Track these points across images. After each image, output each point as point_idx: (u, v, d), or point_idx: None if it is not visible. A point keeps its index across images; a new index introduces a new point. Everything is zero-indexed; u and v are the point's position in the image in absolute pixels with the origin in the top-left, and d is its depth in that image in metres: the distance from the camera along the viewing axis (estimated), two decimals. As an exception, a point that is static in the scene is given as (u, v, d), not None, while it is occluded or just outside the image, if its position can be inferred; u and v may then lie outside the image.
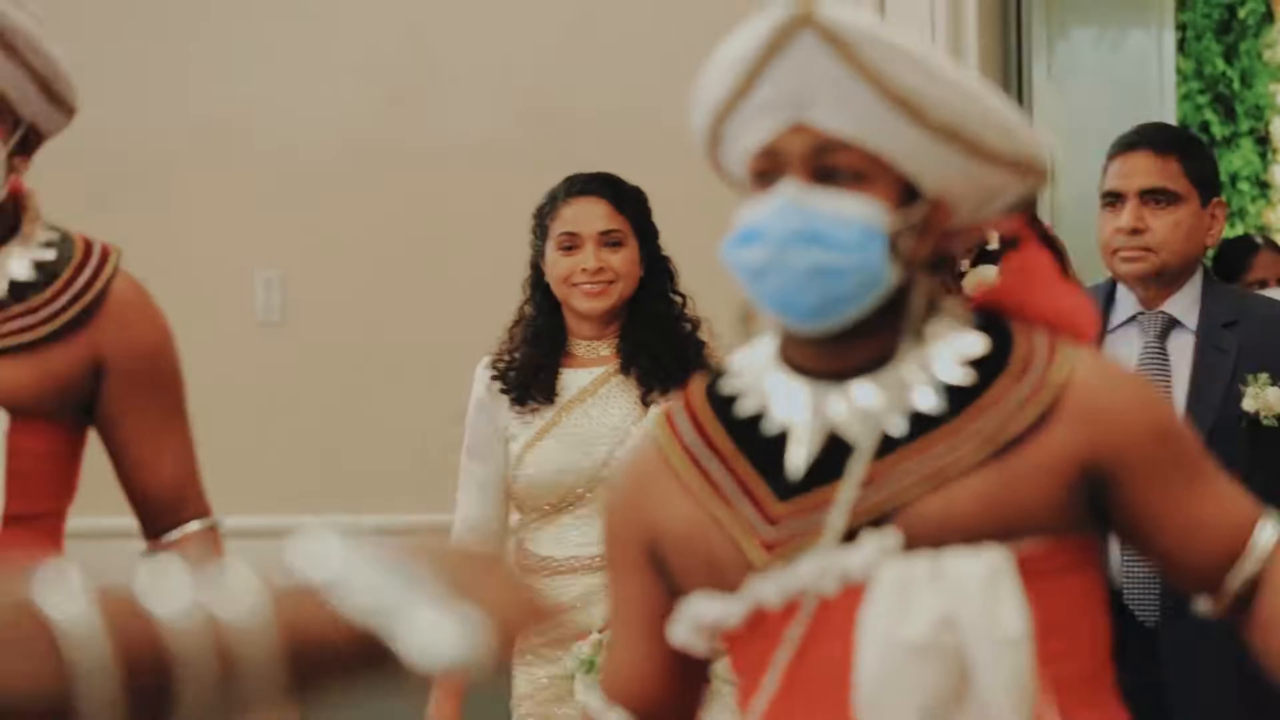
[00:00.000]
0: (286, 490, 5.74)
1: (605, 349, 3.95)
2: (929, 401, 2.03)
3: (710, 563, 2.07)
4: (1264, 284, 6.18)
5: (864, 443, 2.02)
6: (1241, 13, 9.32)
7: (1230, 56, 9.32)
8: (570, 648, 3.82)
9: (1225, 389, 3.60)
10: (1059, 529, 2.01)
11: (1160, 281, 3.74)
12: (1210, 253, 8.70)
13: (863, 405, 2.04)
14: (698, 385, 2.18)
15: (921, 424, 2.02)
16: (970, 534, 1.97)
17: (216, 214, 5.77)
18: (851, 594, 1.98)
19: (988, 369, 2.05)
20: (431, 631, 1.15)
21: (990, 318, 2.11)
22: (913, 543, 1.98)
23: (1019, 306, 2.11)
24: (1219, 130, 9.24)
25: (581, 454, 3.88)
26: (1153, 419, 2.06)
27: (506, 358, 3.96)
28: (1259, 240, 6.60)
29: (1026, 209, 2.25)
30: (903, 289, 2.05)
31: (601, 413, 3.90)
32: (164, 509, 2.85)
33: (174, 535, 2.86)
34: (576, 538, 3.88)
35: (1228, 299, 3.66)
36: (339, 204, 5.74)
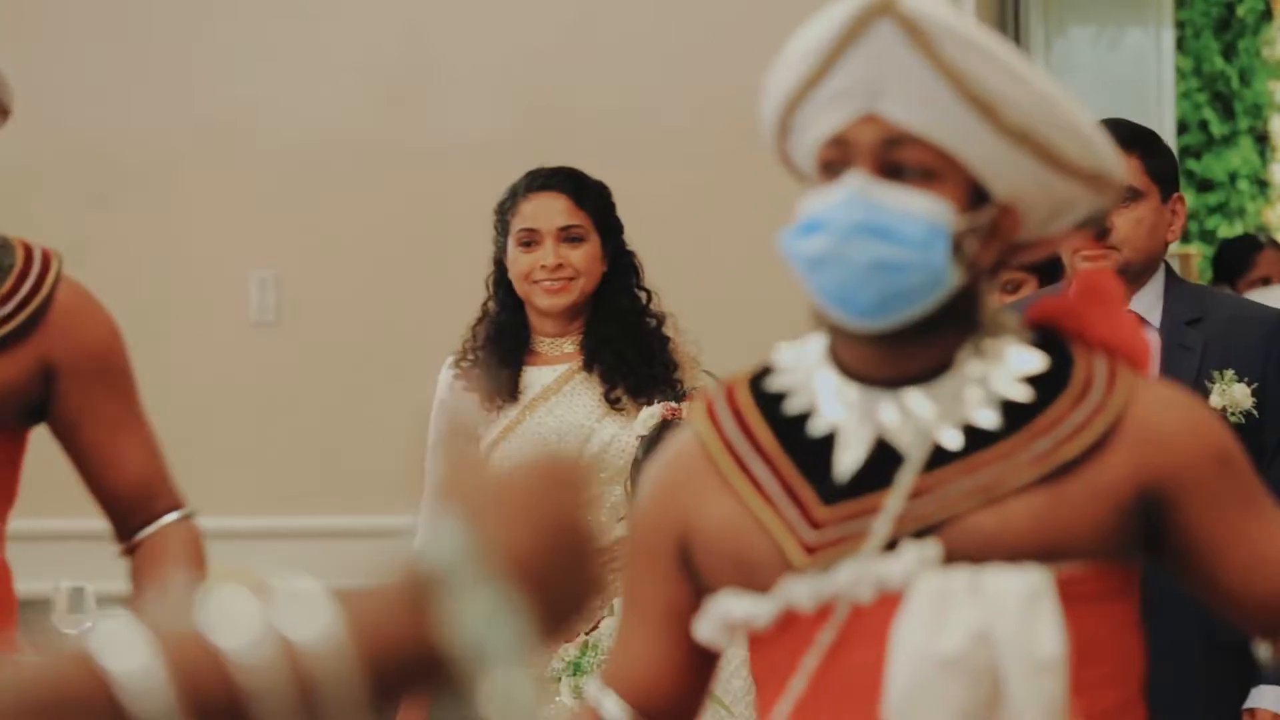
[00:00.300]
0: (282, 491, 5.73)
1: (569, 345, 3.91)
2: (985, 417, 2.00)
3: (743, 561, 2.03)
4: (1267, 281, 6.18)
5: (915, 454, 1.99)
6: (1240, 10, 9.32)
7: (1229, 54, 9.32)
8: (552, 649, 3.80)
9: (1191, 386, 3.58)
10: (1103, 555, 1.98)
11: (1123, 279, 3.73)
12: (1210, 252, 8.70)
13: (916, 415, 2.01)
14: (741, 378, 2.13)
15: (975, 439, 1.99)
16: (1014, 552, 1.94)
17: (212, 214, 5.76)
18: (887, 603, 1.95)
19: (1046, 388, 2.01)
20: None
21: (1048, 335, 2.07)
22: (954, 557, 1.95)
23: (1079, 327, 2.06)
24: (1218, 128, 9.24)
25: None
26: (1212, 445, 2.02)
27: (470, 356, 3.92)
28: (1262, 239, 6.60)
29: (1097, 226, 2.20)
30: (963, 296, 2.01)
31: (566, 410, 3.86)
32: (134, 506, 2.82)
33: (149, 530, 2.83)
34: None
35: (1191, 296, 3.64)
36: (334, 204, 5.72)
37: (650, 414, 3.58)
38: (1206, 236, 9.07)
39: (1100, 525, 1.97)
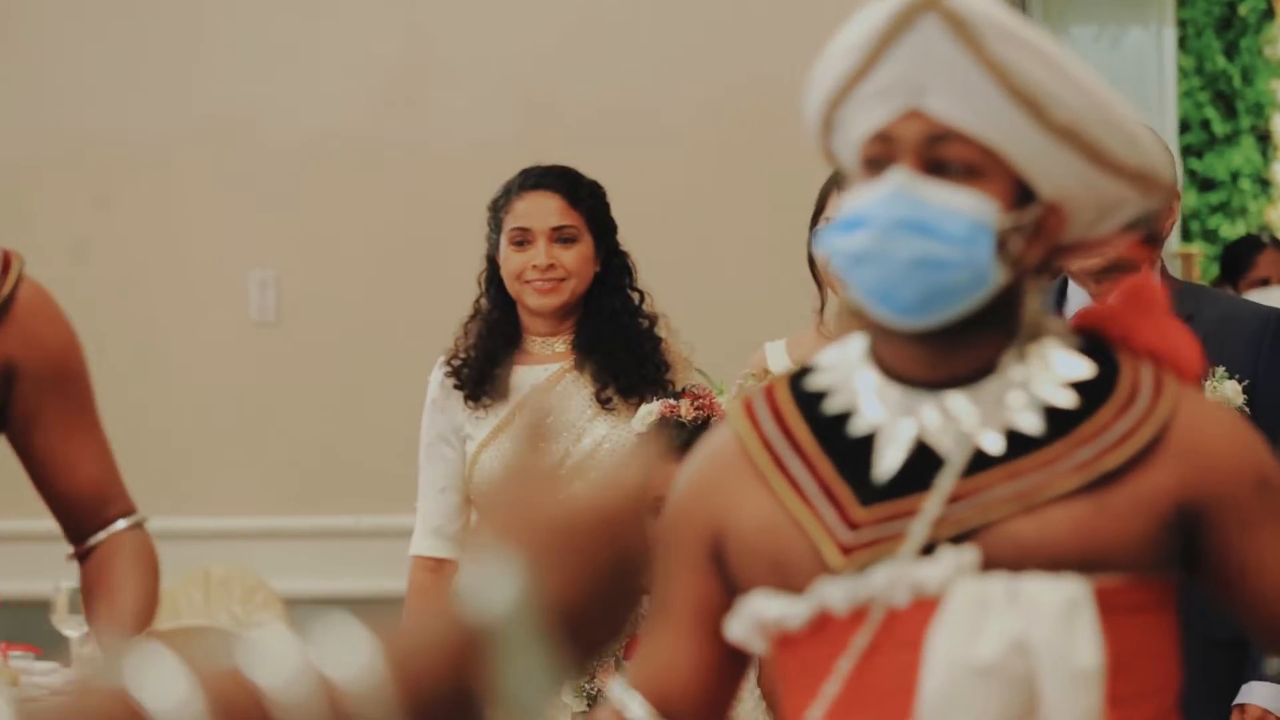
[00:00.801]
0: (282, 490, 5.73)
1: (560, 345, 3.89)
2: (1028, 422, 1.97)
3: (778, 561, 2.00)
4: (1266, 282, 6.17)
5: (955, 458, 1.96)
6: (1242, 9, 9.31)
7: (1231, 53, 9.31)
8: None
9: None
10: (1143, 567, 1.95)
11: (1113, 276, 3.71)
12: (1213, 251, 8.69)
13: (957, 418, 1.98)
14: (781, 376, 2.10)
15: (1017, 444, 1.96)
16: (1053, 561, 1.91)
17: (213, 214, 5.76)
18: (922, 607, 1.92)
19: (1090, 394, 1.98)
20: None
21: (1094, 341, 2.04)
22: (992, 563, 1.92)
23: (1125, 334, 2.03)
24: (1220, 127, 9.23)
25: None
26: (1253, 465, 1.99)
27: (461, 354, 3.90)
28: (1264, 239, 6.59)
29: (1145, 229, 2.18)
30: (1007, 297, 1.98)
31: (557, 410, 3.83)
32: (87, 511, 2.80)
33: (101, 536, 2.82)
34: None
35: (1182, 294, 3.63)
36: (335, 203, 5.72)
37: (648, 411, 3.57)
38: (1209, 236, 9.07)
39: (1141, 537, 1.94)
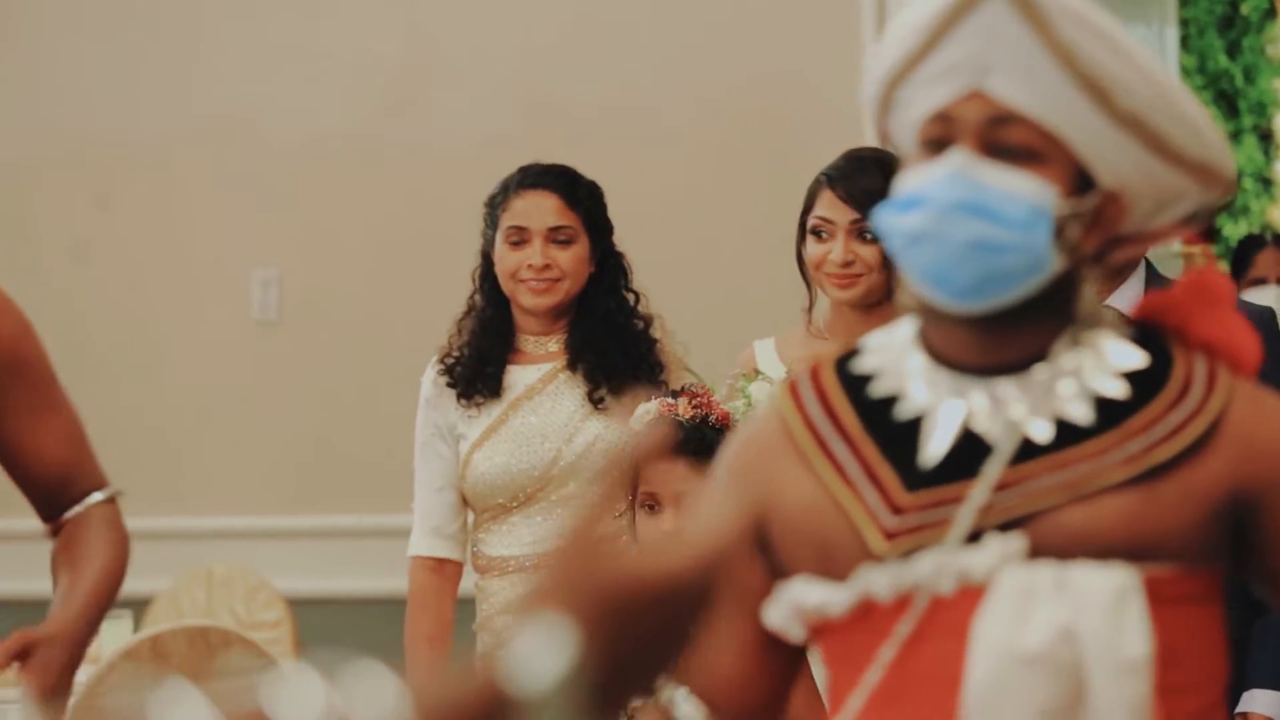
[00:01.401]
0: (285, 490, 5.73)
1: (553, 345, 3.88)
2: (1078, 411, 1.95)
3: (822, 545, 1.97)
4: (1262, 282, 6.15)
5: (1004, 446, 1.94)
6: (1244, 8, 9.30)
7: (1233, 52, 9.30)
8: None
9: None
10: (1192, 558, 1.93)
11: (1104, 275, 3.70)
12: (1215, 251, 8.67)
13: (1006, 406, 1.95)
14: (827, 359, 2.08)
15: (1067, 434, 1.94)
16: (1101, 550, 1.89)
17: (214, 213, 5.76)
18: (968, 595, 1.90)
19: (1143, 386, 1.96)
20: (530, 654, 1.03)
21: (1147, 332, 2.01)
22: (1039, 552, 1.90)
23: (1181, 326, 2.01)
24: (1222, 126, 9.22)
25: (530, 453, 3.81)
26: None
27: (455, 353, 3.89)
28: (1267, 238, 6.56)
29: (1205, 223, 2.16)
30: (1062, 284, 1.95)
31: (550, 410, 3.84)
32: (57, 489, 2.81)
33: (76, 510, 2.82)
34: (527, 536, 3.82)
35: None
36: (337, 202, 5.72)
37: (646, 409, 3.57)
38: (1211, 235, 9.06)
39: (1191, 528, 1.92)
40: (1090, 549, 1.89)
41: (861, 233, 3.66)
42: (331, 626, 5.52)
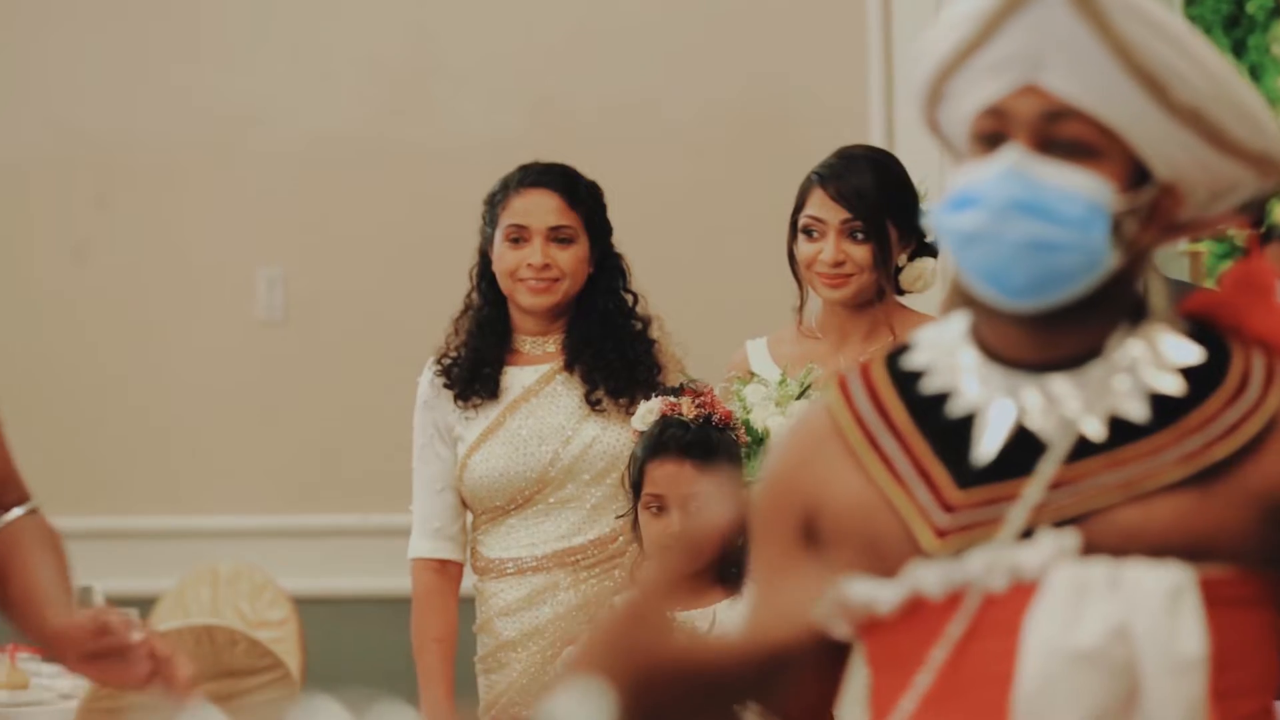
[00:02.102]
0: (289, 489, 5.72)
1: (551, 345, 3.86)
2: (1135, 409, 1.91)
3: (871, 543, 1.94)
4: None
5: (1058, 444, 1.90)
6: (1250, 7, 9.30)
7: (1239, 51, 9.31)
8: (526, 651, 3.78)
9: None
10: (1248, 559, 1.90)
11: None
12: (1221, 249, 8.65)
13: (1061, 403, 1.92)
14: (877, 355, 2.04)
15: (1122, 432, 1.90)
16: (1157, 549, 1.86)
17: (218, 212, 5.75)
18: (1020, 592, 1.86)
19: (1199, 383, 1.92)
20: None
21: (1204, 328, 1.97)
22: (1092, 549, 1.86)
23: (1237, 321, 1.97)
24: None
25: (526, 456, 3.80)
26: None
27: (452, 354, 3.88)
28: (1277, 234, 6.55)
29: (1257, 211, 2.14)
30: (1118, 279, 1.92)
31: (547, 412, 3.82)
32: None
33: (6, 519, 2.81)
34: (524, 539, 3.81)
35: (1174, 295, 3.61)
36: (342, 201, 5.71)
37: (649, 409, 3.55)
38: (1216, 233, 9.04)
39: (1247, 528, 1.89)
40: (1145, 546, 1.87)
41: (852, 232, 3.65)
42: (337, 626, 5.52)
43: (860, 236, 3.65)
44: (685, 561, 1.10)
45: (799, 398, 3.61)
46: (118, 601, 4.64)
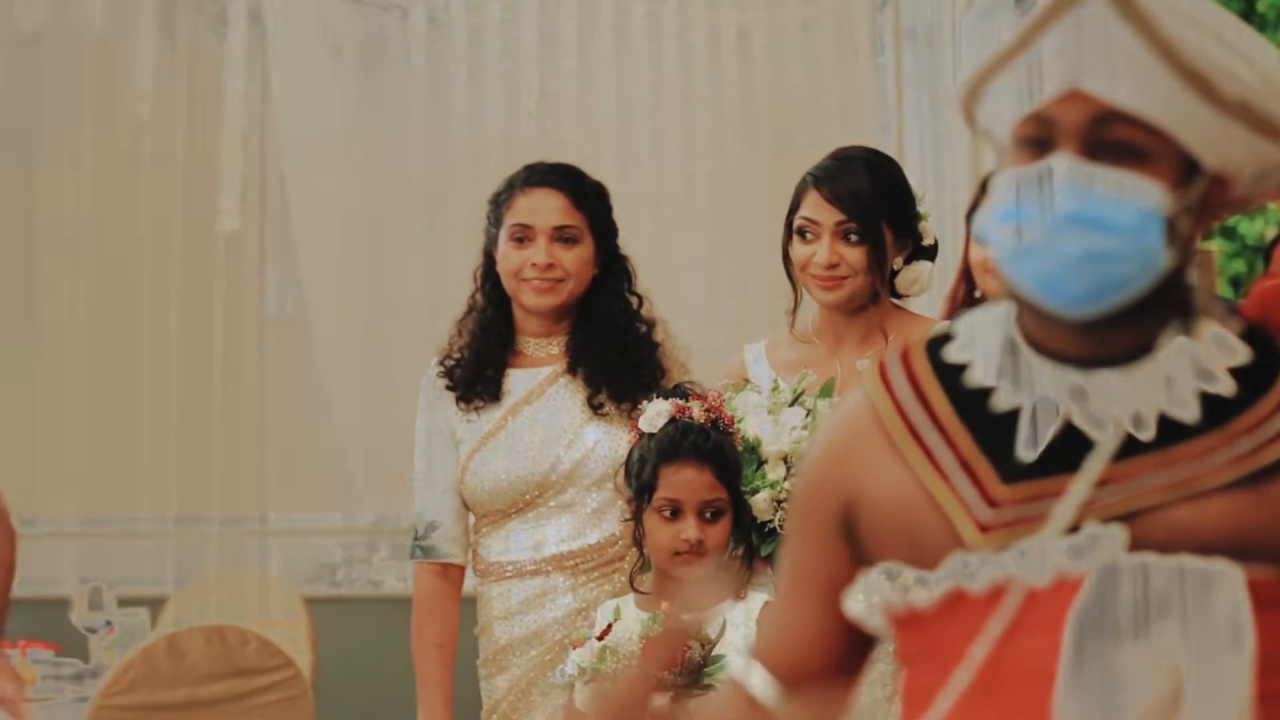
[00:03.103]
0: (300, 488, 5.74)
1: (554, 347, 3.84)
2: (1185, 409, 1.88)
3: (912, 536, 1.91)
4: (1272, 282, 6.14)
5: (1106, 442, 1.87)
6: (1261, 5, 9.28)
7: (1250, 50, 9.29)
8: (525, 654, 3.77)
9: None
10: None
11: None
12: (1232, 248, 8.65)
13: (1110, 400, 1.89)
14: (918, 343, 2.00)
15: (1171, 432, 1.87)
16: (1204, 548, 1.83)
17: (221, 211, 5.76)
18: (1065, 588, 1.84)
19: (1250, 383, 1.89)
20: None
21: (1256, 328, 1.95)
22: (1139, 547, 1.84)
23: None
24: (1238, 124, 9.20)
25: (528, 460, 3.78)
26: None
27: (455, 355, 3.86)
28: (1282, 239, 6.54)
29: None
30: (1170, 276, 1.88)
31: (549, 416, 3.80)
32: None
33: None
34: (525, 542, 3.79)
35: None
36: (348, 201, 5.73)
37: (657, 411, 3.52)
38: (1228, 233, 9.03)
39: None
40: (1193, 544, 1.84)
41: (847, 234, 3.61)
42: (347, 625, 5.53)
43: (855, 238, 3.61)
44: (671, 656, 1.11)
45: (791, 405, 3.59)
46: (128, 602, 4.67)
